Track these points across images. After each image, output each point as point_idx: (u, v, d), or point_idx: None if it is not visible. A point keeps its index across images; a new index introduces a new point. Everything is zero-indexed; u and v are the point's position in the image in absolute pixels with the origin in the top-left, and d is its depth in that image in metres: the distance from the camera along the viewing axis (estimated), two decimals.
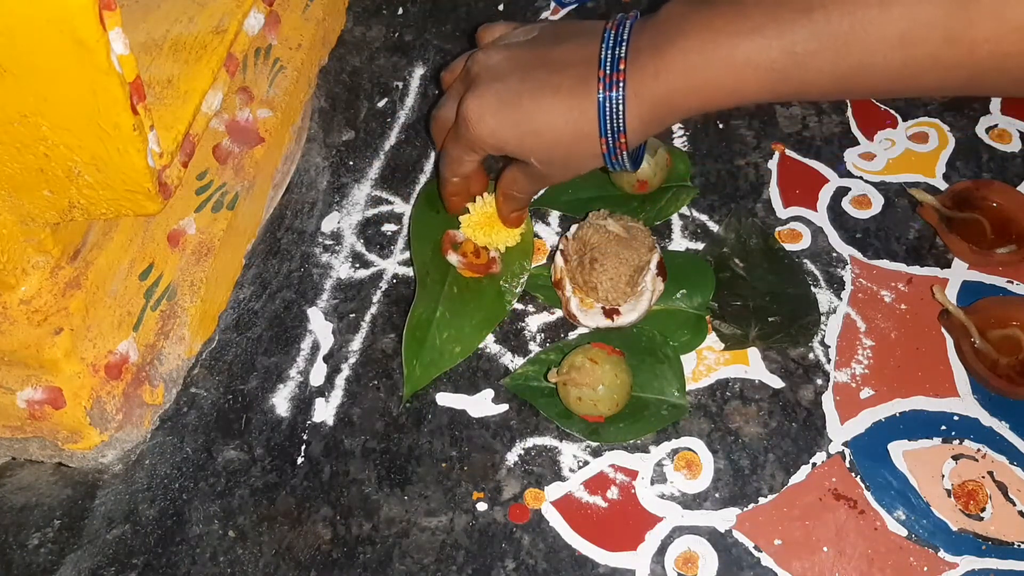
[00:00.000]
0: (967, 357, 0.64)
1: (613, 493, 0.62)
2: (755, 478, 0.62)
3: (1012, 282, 0.69)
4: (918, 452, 0.62)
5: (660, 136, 0.80)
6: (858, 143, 0.78)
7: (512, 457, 0.64)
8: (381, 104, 0.85)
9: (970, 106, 0.80)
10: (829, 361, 0.67)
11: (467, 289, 0.70)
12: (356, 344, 0.70)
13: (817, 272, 0.71)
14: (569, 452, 0.64)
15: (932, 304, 0.68)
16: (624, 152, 0.59)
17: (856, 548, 0.59)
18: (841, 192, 0.75)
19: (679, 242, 0.74)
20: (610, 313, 0.67)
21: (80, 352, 0.63)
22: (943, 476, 0.61)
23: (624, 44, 0.57)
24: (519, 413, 0.66)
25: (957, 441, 0.62)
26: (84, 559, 0.62)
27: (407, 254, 0.75)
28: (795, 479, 0.62)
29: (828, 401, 0.65)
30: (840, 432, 0.63)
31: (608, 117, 0.58)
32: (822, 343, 0.67)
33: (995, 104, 0.80)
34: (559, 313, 0.71)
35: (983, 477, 0.61)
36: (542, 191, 0.77)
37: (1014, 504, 0.60)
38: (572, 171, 0.64)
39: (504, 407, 0.66)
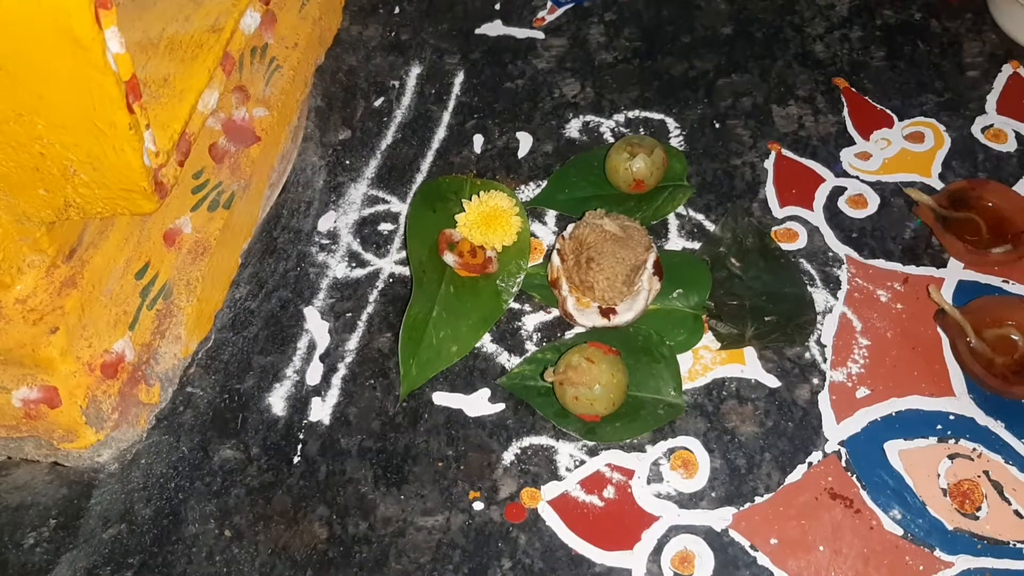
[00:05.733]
0: (963, 356, 0.64)
1: (609, 492, 0.62)
2: (751, 477, 0.62)
3: (1008, 281, 0.70)
4: (914, 451, 0.62)
5: (657, 135, 0.80)
6: (854, 143, 0.78)
7: (508, 456, 0.64)
8: (378, 103, 0.85)
9: (966, 106, 0.80)
10: (825, 360, 0.67)
11: (463, 288, 0.70)
12: (352, 343, 0.70)
13: (813, 271, 0.71)
14: (565, 451, 0.64)
15: (928, 304, 0.68)
16: None
17: (852, 547, 0.59)
18: (837, 192, 0.76)
19: (676, 241, 0.74)
20: (606, 312, 0.67)
21: (76, 351, 0.62)
22: (939, 475, 0.61)
23: None
24: (516, 412, 0.66)
25: (953, 440, 0.63)
26: (80, 558, 0.62)
27: (403, 253, 0.75)
28: (791, 478, 0.62)
29: (824, 400, 0.65)
30: (836, 431, 0.63)
31: None
32: (818, 342, 0.68)
33: (991, 104, 0.80)
34: (556, 312, 0.71)
35: (979, 476, 0.61)
36: (538, 192, 0.77)
37: (1009, 503, 0.60)
38: None
39: (501, 406, 0.66)
